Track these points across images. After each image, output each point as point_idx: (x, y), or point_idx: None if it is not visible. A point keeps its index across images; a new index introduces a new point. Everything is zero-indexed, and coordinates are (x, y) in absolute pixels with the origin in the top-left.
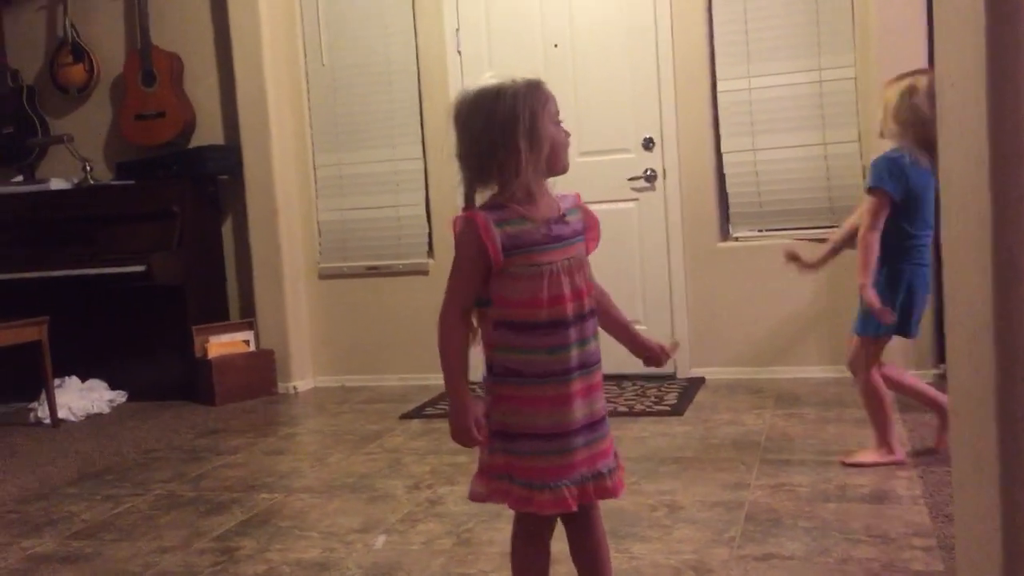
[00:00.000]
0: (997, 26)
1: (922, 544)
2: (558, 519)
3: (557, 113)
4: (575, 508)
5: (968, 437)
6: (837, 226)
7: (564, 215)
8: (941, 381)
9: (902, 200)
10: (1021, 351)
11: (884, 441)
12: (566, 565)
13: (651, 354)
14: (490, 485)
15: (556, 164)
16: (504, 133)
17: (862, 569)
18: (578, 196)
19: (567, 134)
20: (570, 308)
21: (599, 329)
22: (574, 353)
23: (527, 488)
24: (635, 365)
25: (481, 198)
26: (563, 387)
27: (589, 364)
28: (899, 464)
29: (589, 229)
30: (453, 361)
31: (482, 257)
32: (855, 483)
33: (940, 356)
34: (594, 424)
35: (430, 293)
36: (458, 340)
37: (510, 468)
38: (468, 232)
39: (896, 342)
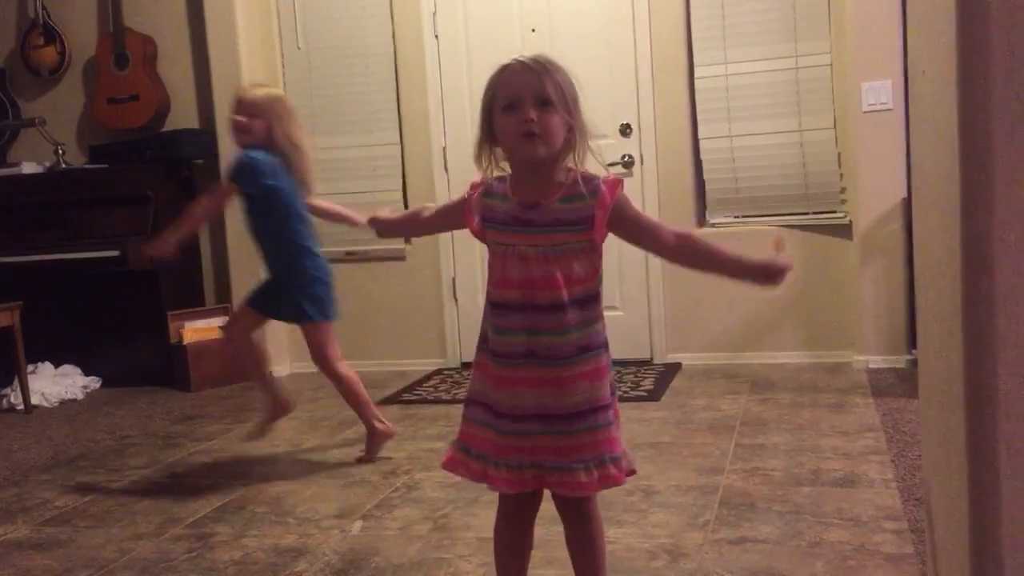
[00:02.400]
0: (967, 14)
1: (893, 527)
2: (538, 504)
3: (510, 97)
4: (507, 490)
5: (937, 422)
6: (812, 212)
7: (540, 203)
8: (913, 367)
9: (286, 195)
10: (989, 339)
11: (370, 423)
12: (541, 551)
13: (766, 269)
14: (453, 455)
15: (508, 153)
16: (480, 122)
17: (833, 552)
18: (603, 182)
19: (525, 120)
20: (516, 294)
21: (583, 322)
22: (521, 339)
23: (461, 452)
24: (612, 351)
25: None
26: (508, 369)
27: (542, 356)
28: (390, 436)
29: (595, 219)
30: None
31: (464, 216)
32: (828, 467)
33: (913, 341)
34: (550, 418)
35: (407, 279)
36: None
37: (467, 438)
38: (468, 192)
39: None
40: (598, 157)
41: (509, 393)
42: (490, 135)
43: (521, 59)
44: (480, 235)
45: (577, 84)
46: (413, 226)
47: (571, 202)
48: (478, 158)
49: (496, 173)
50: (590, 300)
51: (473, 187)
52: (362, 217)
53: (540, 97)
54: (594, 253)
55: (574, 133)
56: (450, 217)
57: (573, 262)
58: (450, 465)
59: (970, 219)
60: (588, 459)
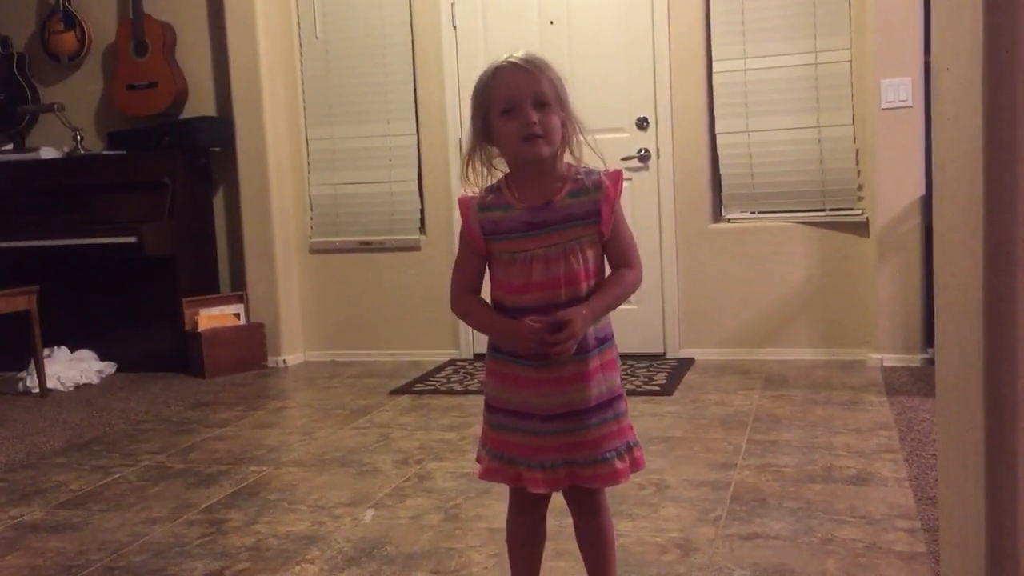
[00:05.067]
0: (993, 10)
1: (906, 526)
2: (549, 498)
3: (509, 101)
4: (542, 490)
5: (954, 421)
6: (829, 208)
7: (551, 202)
8: (928, 366)
9: None
10: (1010, 338)
11: None
12: (551, 543)
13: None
14: (488, 464)
15: (510, 156)
16: (472, 125)
17: (845, 549)
18: (604, 175)
19: (528, 123)
20: (536, 296)
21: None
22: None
23: (496, 460)
24: (625, 345)
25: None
26: (533, 371)
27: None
28: None
29: (602, 212)
30: (476, 317)
31: (469, 239)
32: (841, 464)
33: (929, 340)
34: (576, 414)
35: (422, 269)
36: (468, 303)
37: (487, 439)
38: (461, 215)
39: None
40: (596, 150)
41: (535, 393)
42: (484, 138)
43: (512, 60)
44: (482, 249)
45: (564, 79)
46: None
47: (579, 196)
48: (468, 166)
49: (482, 180)
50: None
51: (464, 203)
52: None
53: (538, 98)
54: (601, 245)
55: (567, 128)
56: (477, 259)
57: (589, 254)
58: (487, 475)
59: (993, 219)
60: (618, 447)
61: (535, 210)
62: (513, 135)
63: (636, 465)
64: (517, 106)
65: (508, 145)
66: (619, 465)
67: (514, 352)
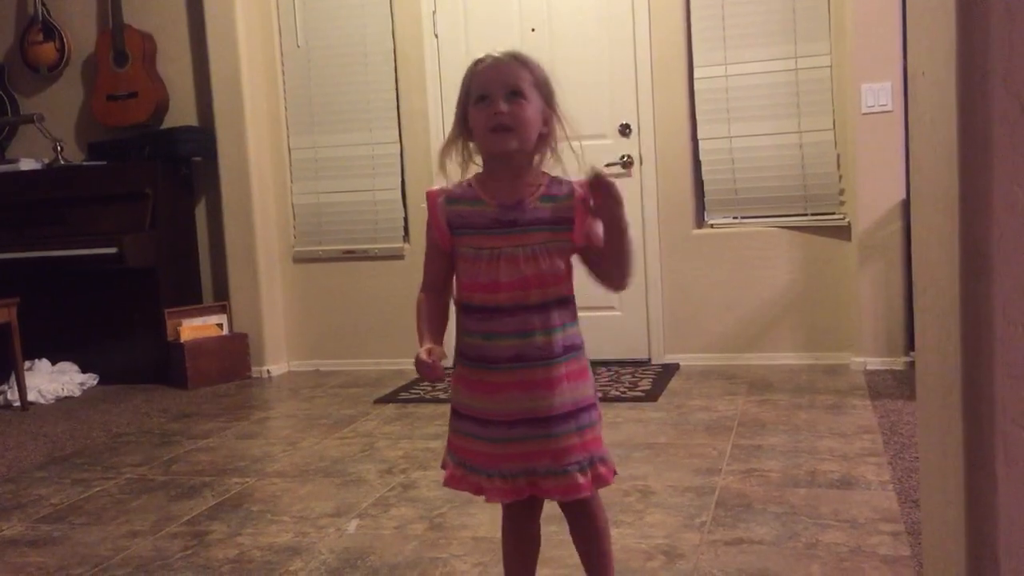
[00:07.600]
0: (966, 15)
1: (890, 529)
2: (543, 501)
3: (482, 89)
4: (500, 500)
5: (935, 424)
6: (811, 213)
7: (522, 201)
8: (911, 369)
9: None
10: (986, 340)
11: None
12: (552, 550)
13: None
14: (453, 471)
15: (481, 148)
16: (455, 115)
17: (830, 553)
18: (577, 183)
19: (495, 113)
20: (505, 296)
21: (565, 322)
22: (511, 343)
23: (460, 467)
24: (609, 352)
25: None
26: (498, 375)
27: (532, 358)
28: None
29: (574, 220)
30: (418, 320)
31: (434, 232)
32: (825, 469)
33: (912, 343)
34: (539, 421)
35: (405, 277)
36: (423, 305)
37: (453, 446)
38: (428, 207)
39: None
40: (578, 156)
41: (500, 399)
42: (464, 130)
43: (494, 53)
44: (447, 243)
45: (553, 80)
46: (444, 307)
47: (551, 201)
48: (446, 154)
49: (460, 174)
50: (569, 300)
51: (432, 196)
52: None
53: (511, 88)
54: (571, 254)
55: (551, 129)
56: (441, 256)
57: (558, 260)
58: (451, 482)
59: (969, 221)
60: (580, 460)
61: (506, 208)
62: (482, 125)
63: (599, 481)
64: (489, 95)
65: (478, 135)
66: (580, 479)
67: (481, 357)
